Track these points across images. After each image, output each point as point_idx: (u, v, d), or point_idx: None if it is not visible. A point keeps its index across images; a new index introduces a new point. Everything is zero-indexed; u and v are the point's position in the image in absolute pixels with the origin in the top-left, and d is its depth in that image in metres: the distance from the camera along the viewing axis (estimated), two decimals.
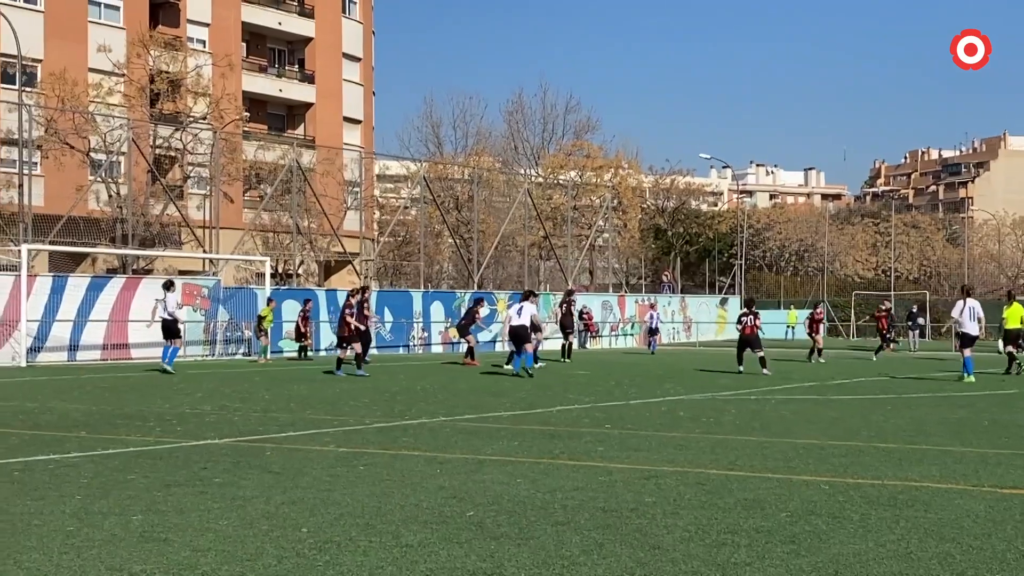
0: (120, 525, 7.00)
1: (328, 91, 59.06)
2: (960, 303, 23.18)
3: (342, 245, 43.11)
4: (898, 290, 65.08)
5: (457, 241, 50.61)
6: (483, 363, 29.07)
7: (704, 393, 19.16)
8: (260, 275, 40.18)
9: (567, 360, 31.41)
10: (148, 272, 40.65)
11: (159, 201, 42.38)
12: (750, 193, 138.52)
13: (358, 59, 61.44)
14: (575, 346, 29.35)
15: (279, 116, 59.20)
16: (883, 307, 38.93)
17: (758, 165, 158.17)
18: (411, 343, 40.01)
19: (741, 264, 62.14)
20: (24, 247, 29.73)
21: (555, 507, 7.71)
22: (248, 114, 52.87)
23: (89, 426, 13.12)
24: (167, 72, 45.75)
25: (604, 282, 60.51)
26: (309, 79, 59.01)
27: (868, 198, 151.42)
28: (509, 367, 25.05)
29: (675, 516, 7.39)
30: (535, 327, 25.61)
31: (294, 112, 59.45)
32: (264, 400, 17.29)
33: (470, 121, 66.66)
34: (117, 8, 49.94)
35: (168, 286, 25.66)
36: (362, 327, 25.22)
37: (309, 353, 33.43)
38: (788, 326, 58.35)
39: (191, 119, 45.87)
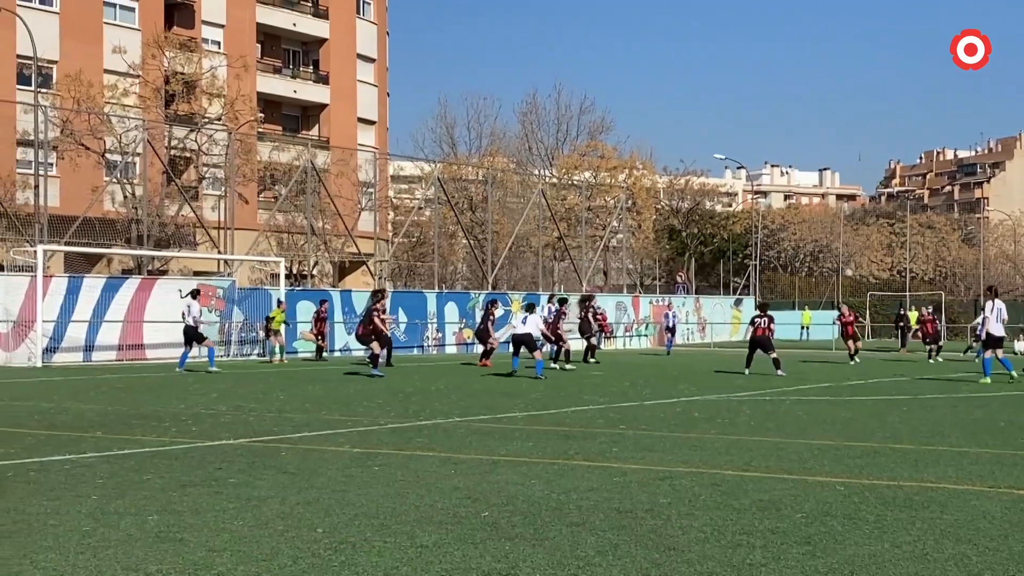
0: (136, 525, 7.02)
1: (342, 92, 59.16)
2: (989, 303, 23.04)
3: (356, 246, 43.18)
4: (913, 291, 64.86)
5: (471, 242, 50.64)
6: (494, 366, 29.07)
7: (718, 394, 19.13)
8: (275, 276, 40.27)
9: (594, 361, 31.33)
10: (163, 273, 40.78)
11: (174, 202, 42.51)
12: (765, 194, 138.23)
13: (372, 60, 61.53)
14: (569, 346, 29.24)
15: (293, 117, 59.33)
16: (928, 311, 38.25)
17: (773, 166, 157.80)
18: (425, 344, 40.06)
19: (756, 265, 62.02)
20: (40, 248, 29.86)
21: (570, 508, 7.71)
22: (263, 115, 53.02)
23: (105, 426, 13.17)
24: (182, 73, 45.92)
25: (618, 283, 60.50)
26: (323, 80, 59.13)
27: (883, 198, 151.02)
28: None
29: (690, 517, 7.37)
30: (549, 338, 26.49)
31: (308, 113, 59.57)
32: (279, 401, 17.32)
33: (484, 122, 66.75)
34: (132, 9, 50.13)
35: (195, 294, 26.31)
36: (384, 330, 25.94)
37: (324, 354, 33.50)
38: (802, 327, 58.24)
39: (206, 120, 46.01)
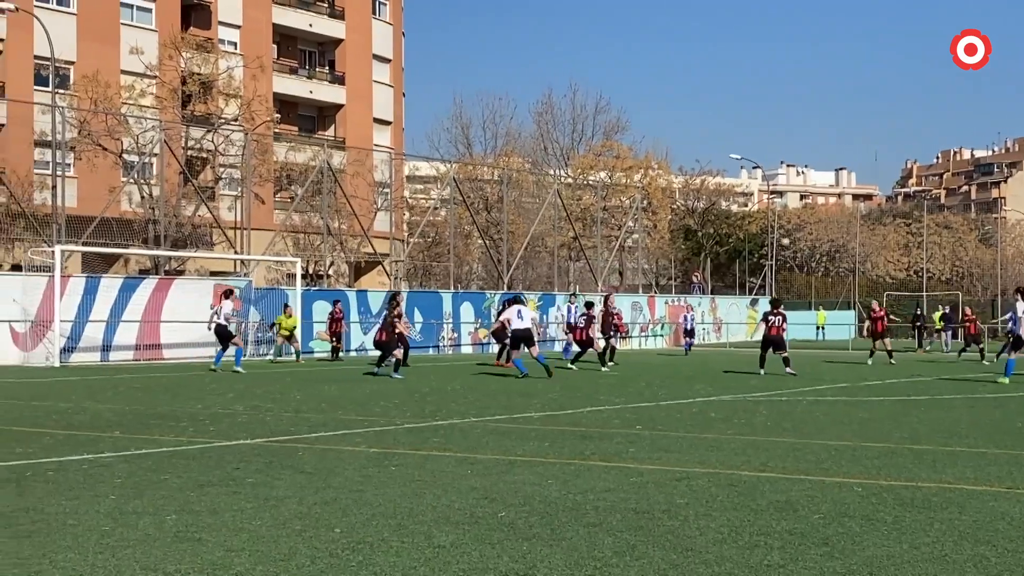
0: (154, 525, 7.05)
1: (358, 92, 59.26)
2: (1020, 304, 22.89)
3: (372, 246, 43.25)
4: (930, 291, 64.63)
5: (487, 242, 50.66)
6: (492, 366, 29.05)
7: (734, 394, 19.09)
8: (291, 276, 40.36)
9: (612, 364, 30.83)
10: (180, 273, 40.92)
11: (191, 202, 42.65)
12: (780, 193, 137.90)
13: (388, 60, 61.62)
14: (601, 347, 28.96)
15: (309, 117, 59.45)
16: (969, 312, 37.80)
17: (788, 165, 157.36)
18: (441, 344, 40.09)
19: (772, 265, 61.86)
20: (57, 248, 30.00)
21: (587, 508, 7.70)
22: (279, 115, 53.14)
23: (122, 426, 13.22)
24: (199, 74, 46.07)
25: (634, 283, 60.42)
26: (339, 80, 59.23)
27: (900, 198, 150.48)
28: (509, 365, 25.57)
29: (707, 518, 7.36)
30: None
31: (324, 113, 59.70)
32: (295, 401, 17.37)
33: (499, 122, 66.78)
34: (149, 10, 50.32)
35: (227, 294, 26.50)
36: (405, 333, 26.28)
37: (341, 354, 33.56)
38: (817, 327, 58.09)
39: (222, 120, 46.14)
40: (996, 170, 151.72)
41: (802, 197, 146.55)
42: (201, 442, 11.59)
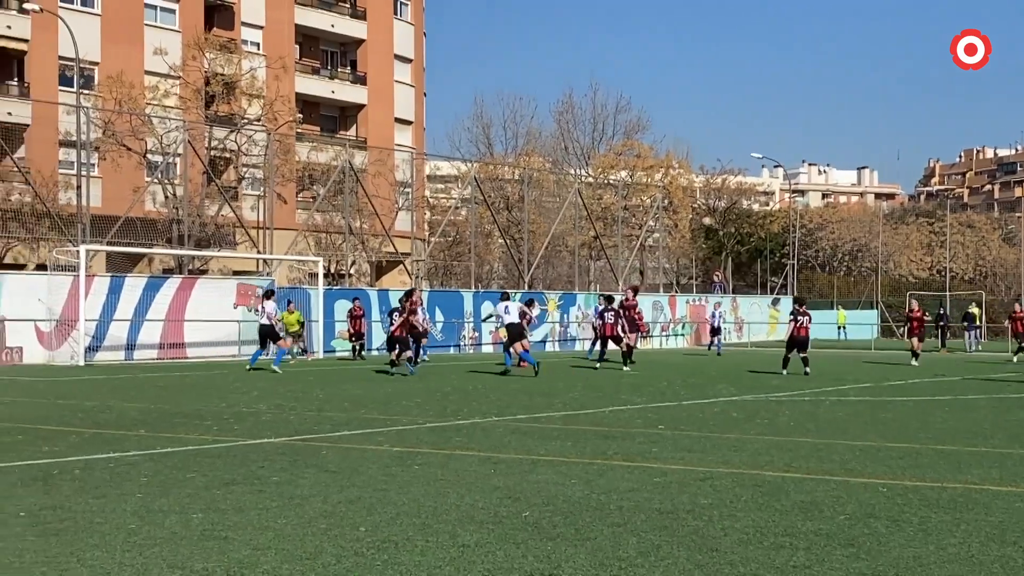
0: (180, 523, 7.09)
1: (380, 92, 59.38)
2: None
3: (393, 245, 43.33)
4: (953, 290, 64.26)
5: (507, 241, 50.66)
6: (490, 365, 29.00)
7: (756, 394, 19.04)
8: (313, 275, 40.48)
9: (633, 362, 30.72)
10: (203, 272, 41.10)
11: (214, 202, 42.84)
12: (802, 192, 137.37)
13: (409, 60, 61.71)
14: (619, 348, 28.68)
15: (331, 117, 59.60)
16: (1018, 310, 37.30)
17: (810, 164, 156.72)
18: (461, 343, 40.13)
19: (793, 264, 61.64)
20: (82, 247, 30.18)
21: (611, 508, 7.71)
22: (301, 116, 53.31)
23: (147, 425, 13.29)
24: (222, 74, 46.26)
25: (654, 282, 60.32)
26: (361, 80, 59.36)
27: (922, 197, 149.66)
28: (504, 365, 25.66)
29: (732, 518, 7.35)
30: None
31: (346, 113, 59.84)
32: (318, 399, 17.43)
33: (520, 121, 66.74)
34: (173, 11, 50.56)
35: (268, 295, 26.56)
36: (419, 328, 26.78)
37: (363, 353, 33.61)
38: (839, 326, 57.86)
39: (245, 121, 46.33)
40: (1019, 169, 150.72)
41: (824, 196, 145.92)
42: (226, 441, 11.64)
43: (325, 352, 34.35)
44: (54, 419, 14.02)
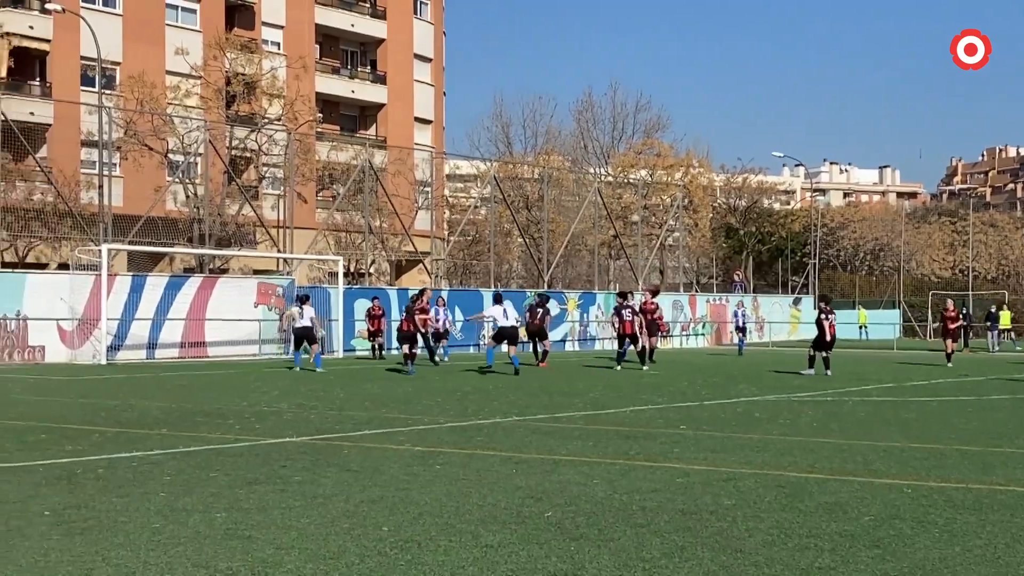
0: (204, 522, 7.10)
1: (399, 92, 59.47)
2: None
3: (413, 244, 43.39)
4: (976, 290, 63.88)
5: (527, 240, 50.66)
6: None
7: (778, 394, 18.97)
8: (333, 274, 40.56)
9: (653, 362, 30.63)
10: (224, 271, 41.25)
11: (235, 201, 43.00)
12: (823, 191, 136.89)
13: (429, 60, 61.79)
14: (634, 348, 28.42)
15: (351, 117, 59.74)
16: None
17: (832, 163, 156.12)
18: (481, 342, 40.12)
19: (815, 263, 61.41)
20: (104, 247, 30.34)
21: (633, 508, 7.68)
22: (321, 115, 53.45)
23: (170, 424, 13.34)
24: (243, 74, 46.42)
25: (675, 281, 60.19)
26: (381, 80, 59.47)
27: (944, 196, 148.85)
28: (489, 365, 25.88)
29: (756, 519, 7.32)
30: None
31: (366, 113, 59.96)
32: (339, 399, 17.46)
33: (539, 120, 66.83)
34: (194, 11, 50.76)
35: (304, 299, 26.81)
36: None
37: (384, 352, 33.64)
38: (859, 326, 57.60)
39: (266, 120, 46.47)
40: None
41: (845, 195, 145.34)
42: (247, 440, 11.67)
43: (345, 351, 34.41)
44: (77, 418, 14.08)
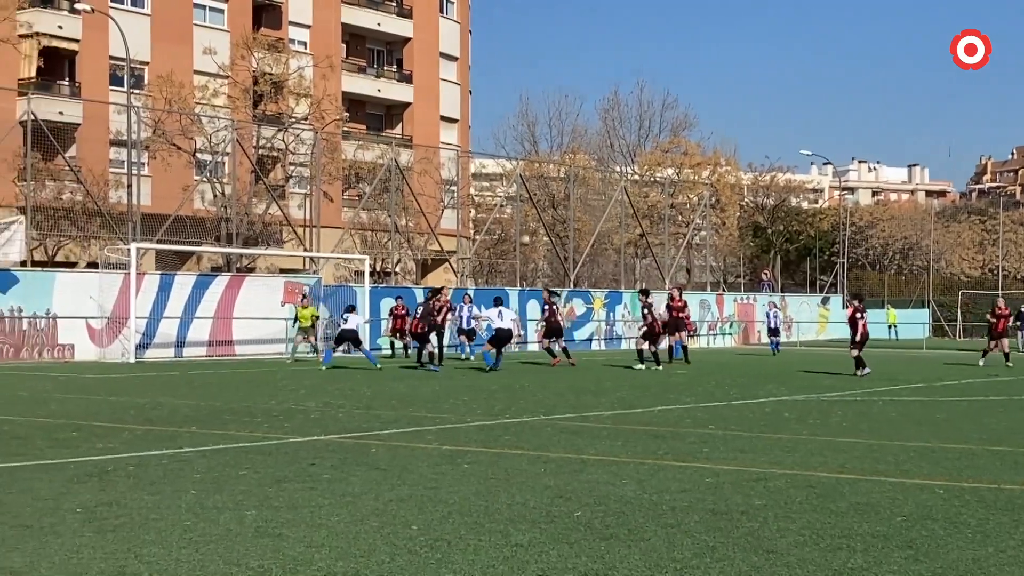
0: (235, 520, 7.13)
1: (425, 91, 59.55)
2: None
3: (439, 243, 43.44)
4: (1006, 289, 63.37)
5: (553, 239, 50.62)
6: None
7: (807, 394, 18.87)
8: (359, 273, 40.66)
9: (676, 360, 30.65)
10: (251, 270, 41.42)
11: (262, 200, 43.18)
12: (852, 190, 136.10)
13: (455, 58, 61.84)
14: (656, 348, 28.12)
15: (377, 116, 59.87)
16: None
17: (860, 162, 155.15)
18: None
19: (843, 262, 61.08)
20: (133, 245, 30.51)
21: (663, 508, 7.66)
22: (348, 114, 53.60)
23: (199, 422, 13.40)
24: (270, 73, 46.60)
25: (702, 280, 60.03)
26: (407, 79, 59.57)
27: (974, 195, 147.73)
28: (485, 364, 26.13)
29: (787, 520, 7.28)
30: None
31: (392, 112, 60.07)
32: (366, 397, 17.49)
33: (565, 119, 66.73)
34: (221, 11, 51.00)
35: (351, 309, 27.31)
36: (440, 328, 27.54)
37: (410, 351, 33.65)
38: (889, 325, 57.23)
39: (293, 120, 46.64)
40: None
41: (874, 194, 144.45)
42: (276, 438, 11.70)
43: (371, 350, 34.45)
44: (107, 416, 14.17)
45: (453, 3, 62.09)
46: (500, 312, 26.14)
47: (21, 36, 44.03)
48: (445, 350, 28.41)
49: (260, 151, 44.92)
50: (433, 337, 26.84)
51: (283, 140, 45.66)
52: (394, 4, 59.31)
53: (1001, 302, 31.17)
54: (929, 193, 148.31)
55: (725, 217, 60.70)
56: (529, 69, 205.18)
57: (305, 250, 39.19)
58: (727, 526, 7.05)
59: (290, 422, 13.40)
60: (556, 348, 29.26)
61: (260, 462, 9.80)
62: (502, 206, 54.90)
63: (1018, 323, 45.72)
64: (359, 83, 57.41)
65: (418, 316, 26.81)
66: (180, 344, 31.36)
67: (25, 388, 19.30)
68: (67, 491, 8.24)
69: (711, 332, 48.81)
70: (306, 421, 13.53)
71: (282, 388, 19.37)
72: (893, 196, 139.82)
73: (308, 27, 54.64)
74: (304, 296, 31.37)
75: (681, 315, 30.85)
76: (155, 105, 42.01)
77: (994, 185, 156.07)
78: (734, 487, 8.59)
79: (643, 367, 26.44)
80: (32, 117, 32.30)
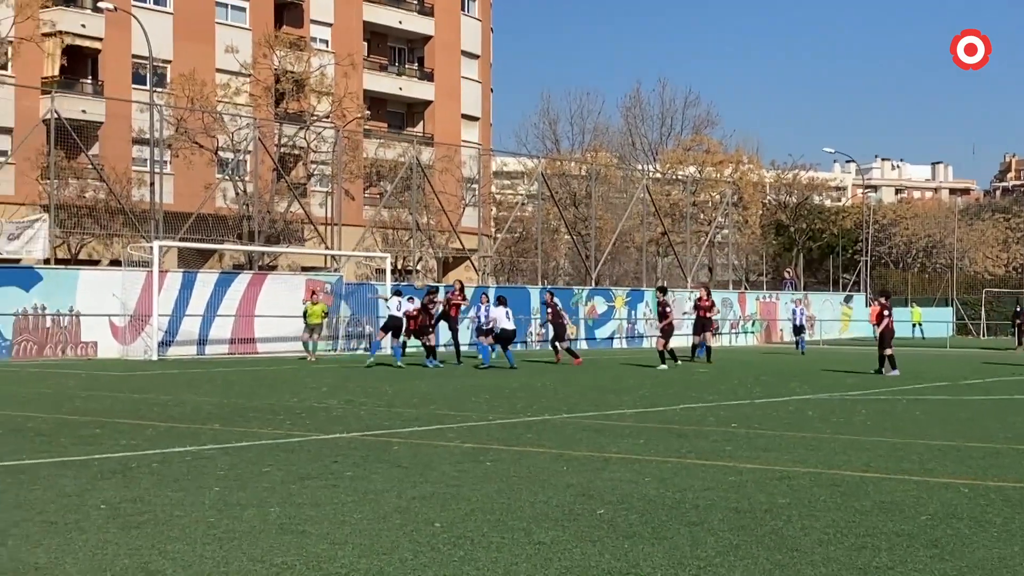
0: (259, 517, 7.14)
1: (447, 89, 59.59)
2: None
3: (460, 242, 43.46)
4: None
5: (574, 237, 50.59)
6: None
7: (831, 393, 18.79)
8: (380, 271, 40.73)
9: (698, 359, 30.41)
10: (273, 268, 41.54)
11: (283, 198, 43.31)
12: (875, 188, 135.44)
13: (476, 56, 61.85)
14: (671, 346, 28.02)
15: (399, 114, 59.95)
16: None
17: (883, 159, 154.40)
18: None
19: (866, 261, 60.77)
20: (155, 243, 30.65)
21: (686, 507, 7.63)
22: (369, 112, 53.71)
23: (222, 419, 13.44)
24: (292, 72, 46.73)
25: (724, 279, 59.86)
26: (428, 77, 59.63)
27: (998, 193, 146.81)
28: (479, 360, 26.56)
29: (811, 518, 7.24)
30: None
31: (413, 110, 60.14)
32: (387, 395, 17.51)
33: (587, 117, 66.60)
34: (243, 9, 51.17)
35: (398, 292, 27.74)
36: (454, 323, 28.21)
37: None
38: (913, 324, 56.91)
39: (315, 118, 46.75)
40: None
41: (897, 192, 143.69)
42: (299, 435, 11.73)
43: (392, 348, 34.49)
44: (130, 413, 14.23)
45: (475, 1, 62.11)
46: (507, 313, 26.47)
47: (44, 35, 44.28)
48: (462, 347, 28.58)
49: (282, 149, 45.05)
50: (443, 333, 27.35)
51: (305, 138, 45.78)
52: (416, 2, 59.37)
53: None
54: (953, 191, 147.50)
55: (747, 215, 60.51)
56: (551, 67, 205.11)
57: (326, 248, 39.28)
58: (750, 524, 7.02)
59: (312, 420, 13.43)
60: (560, 346, 29.39)
61: (283, 459, 9.82)
62: (523, 204, 54.85)
63: (1018, 321, 45.22)
64: (380, 81, 57.49)
65: (417, 311, 27.20)
66: (202, 342, 31.49)
67: (49, 385, 19.41)
68: (91, 487, 8.27)
69: (733, 331, 48.66)
70: (328, 419, 13.56)
71: (304, 386, 19.41)
72: (916, 194, 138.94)
73: (330, 25, 54.75)
74: (313, 292, 31.27)
75: (708, 314, 30.75)
76: (177, 103, 42.19)
77: (1018, 183, 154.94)
78: (757, 485, 8.56)
79: (665, 367, 26.37)
80: (55, 115, 32.48)
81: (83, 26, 46.38)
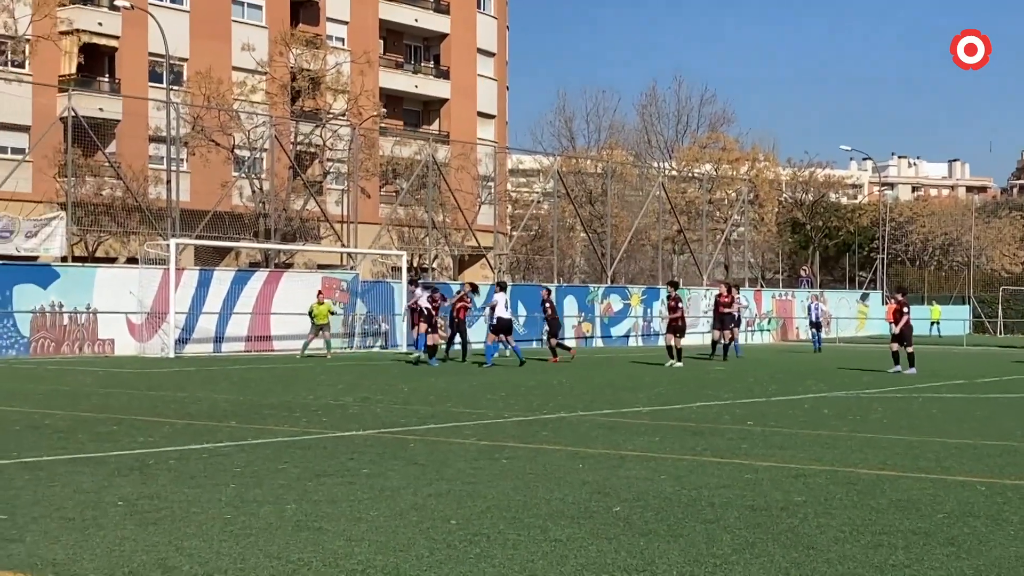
0: (275, 514, 7.16)
1: (463, 86, 59.61)
2: None
3: (476, 239, 43.48)
4: None
5: (590, 235, 50.56)
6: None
7: (847, 391, 18.74)
8: (396, 269, 40.80)
9: (724, 360, 29.92)
10: (289, 266, 41.64)
11: (300, 196, 43.42)
12: (891, 185, 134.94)
13: (492, 54, 61.85)
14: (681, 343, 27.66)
15: (415, 112, 60.00)
16: None
17: (900, 157, 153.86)
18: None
19: (883, 258, 60.56)
20: (172, 241, 30.76)
21: (702, 504, 7.62)
22: (385, 110, 53.77)
23: (238, 416, 13.48)
24: (308, 70, 46.82)
25: (740, 276, 59.75)
26: (444, 75, 59.66)
27: (1015, 190, 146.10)
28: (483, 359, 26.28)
29: (827, 516, 7.23)
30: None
31: (429, 108, 60.18)
32: (403, 393, 17.54)
33: (603, 115, 66.60)
34: (259, 7, 51.29)
35: (424, 286, 27.87)
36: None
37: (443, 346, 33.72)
38: (931, 322, 56.67)
39: (331, 116, 46.83)
40: None
41: (914, 189, 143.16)
42: (315, 432, 11.76)
43: (409, 346, 34.54)
44: (147, 410, 14.28)
45: None
46: (506, 301, 26.38)
47: (62, 33, 44.48)
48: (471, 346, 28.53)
49: (298, 147, 45.14)
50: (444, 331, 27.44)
51: (321, 136, 45.87)
52: (431, 0, 59.40)
53: None
54: (970, 188, 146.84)
55: (763, 213, 60.38)
56: (566, 65, 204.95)
57: (343, 246, 39.36)
58: (766, 522, 7.01)
59: (328, 417, 13.46)
60: (551, 343, 29.40)
61: (299, 456, 9.85)
62: (539, 202, 54.85)
63: None
64: (396, 79, 57.55)
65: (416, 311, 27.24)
66: (219, 339, 31.61)
67: (66, 382, 19.51)
68: (109, 484, 8.31)
69: (749, 328, 48.55)
70: (344, 416, 13.59)
71: (320, 383, 19.46)
72: (933, 191, 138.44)
73: (346, 23, 54.83)
74: (320, 292, 31.33)
75: (728, 311, 30.42)
76: (194, 101, 42.31)
77: None
78: (773, 483, 8.54)
79: (681, 364, 26.34)
80: (72, 113, 32.63)
81: (100, 24, 46.54)
